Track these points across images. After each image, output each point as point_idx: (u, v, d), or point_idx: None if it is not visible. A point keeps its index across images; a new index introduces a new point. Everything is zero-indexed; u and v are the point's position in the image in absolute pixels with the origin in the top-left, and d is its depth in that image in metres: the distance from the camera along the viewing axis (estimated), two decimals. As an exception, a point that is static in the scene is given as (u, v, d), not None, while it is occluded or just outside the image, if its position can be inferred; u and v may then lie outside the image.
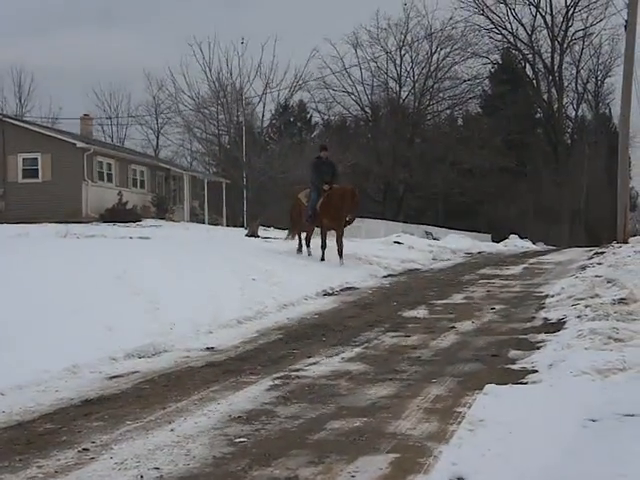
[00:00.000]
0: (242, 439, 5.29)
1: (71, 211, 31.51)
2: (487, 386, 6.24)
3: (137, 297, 10.39)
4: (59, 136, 35.10)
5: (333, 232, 17.66)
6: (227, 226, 38.43)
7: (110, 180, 35.58)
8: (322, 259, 17.17)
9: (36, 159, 33.52)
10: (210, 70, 40.13)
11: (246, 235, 27.20)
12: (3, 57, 77.59)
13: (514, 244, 37.98)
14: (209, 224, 37.67)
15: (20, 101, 57.65)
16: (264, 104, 41.88)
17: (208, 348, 8.82)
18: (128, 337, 8.58)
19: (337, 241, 17.23)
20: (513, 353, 8.17)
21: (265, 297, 11.92)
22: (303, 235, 18.33)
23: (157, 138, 60.96)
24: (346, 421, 5.68)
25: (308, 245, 18.08)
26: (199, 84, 41.10)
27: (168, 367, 7.81)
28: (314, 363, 7.88)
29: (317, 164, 17.57)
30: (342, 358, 8.15)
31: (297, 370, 7.54)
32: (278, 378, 7.16)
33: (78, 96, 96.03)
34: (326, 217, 17.11)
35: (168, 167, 42.20)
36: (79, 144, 33.89)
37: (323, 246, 17.33)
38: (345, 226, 17.60)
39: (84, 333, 8.42)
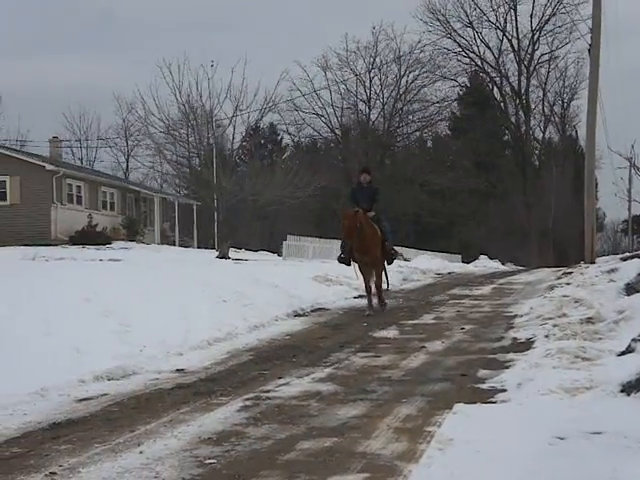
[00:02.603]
0: (212, 460, 5.28)
1: (40, 234, 31.27)
2: (456, 405, 6.27)
3: (107, 319, 10.33)
4: (28, 158, 34.87)
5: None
6: (198, 248, 38.31)
7: (80, 202, 35.38)
8: (369, 309, 14.19)
9: (4, 182, 33.26)
10: (180, 92, 40.10)
11: (217, 257, 27.15)
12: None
13: (484, 264, 38.29)
14: (180, 246, 37.56)
15: (-13, 123, 57.13)
16: (234, 126, 41.89)
17: (178, 370, 8.78)
18: (97, 359, 8.52)
19: (375, 281, 14.52)
20: (482, 372, 8.22)
21: (235, 318, 11.90)
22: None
23: (127, 160, 60.89)
24: (316, 441, 5.68)
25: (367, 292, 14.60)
26: (169, 106, 41.02)
27: (137, 389, 7.76)
28: (285, 384, 7.88)
29: (352, 191, 15.05)
30: (312, 379, 8.15)
31: (268, 391, 7.53)
32: (249, 399, 7.15)
33: (47, 118, 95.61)
34: (356, 250, 14.23)
35: (138, 189, 42.07)
36: (48, 167, 33.68)
37: (367, 290, 14.51)
38: (385, 260, 14.84)
39: (53, 356, 8.35)
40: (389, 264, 15.17)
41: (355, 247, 14.08)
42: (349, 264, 14.61)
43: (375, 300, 14.47)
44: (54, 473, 5.05)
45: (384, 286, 14.88)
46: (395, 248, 15.51)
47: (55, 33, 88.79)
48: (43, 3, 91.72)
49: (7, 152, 35.44)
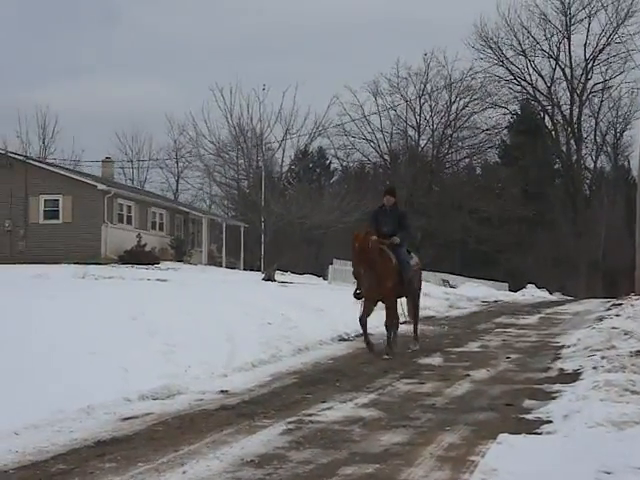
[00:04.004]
0: (254, 483, 5.28)
1: (90, 252, 31.74)
2: (501, 435, 6.21)
3: (153, 339, 10.43)
4: (81, 178, 35.50)
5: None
6: (244, 270, 38.53)
7: (130, 222, 35.85)
8: (387, 352, 11.95)
9: (57, 200, 33.89)
10: (231, 115, 40.70)
11: (263, 279, 27.25)
12: (28, 100, 78.84)
13: (531, 294, 37.80)
14: (227, 267, 37.80)
15: (44, 143, 58.33)
16: (284, 150, 42.38)
17: (222, 391, 8.82)
18: (143, 378, 8.60)
19: (385, 321, 12.38)
20: (528, 403, 8.12)
21: (280, 341, 11.92)
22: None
23: (177, 181, 61.46)
24: (358, 467, 5.66)
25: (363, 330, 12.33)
26: (220, 129, 41.78)
27: (182, 409, 7.81)
28: (328, 408, 7.86)
29: (374, 215, 12.98)
30: (356, 404, 8.12)
31: (310, 415, 7.52)
32: (291, 422, 7.15)
33: (101, 139, 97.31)
34: (362, 283, 12.28)
35: (187, 210, 42.51)
36: (100, 186, 34.24)
37: (361, 324, 12.28)
38: (400, 295, 12.68)
39: (100, 374, 8.46)
40: (407, 296, 12.90)
41: (362, 279, 12.08)
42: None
43: (383, 339, 12.43)
44: (98, 490, 5.10)
45: (407, 321, 13.13)
46: (412, 279, 12.72)
47: (111, 56, 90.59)
48: (99, 27, 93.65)
49: (61, 172, 36.15)
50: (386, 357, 11.68)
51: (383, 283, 12.02)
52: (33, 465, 5.74)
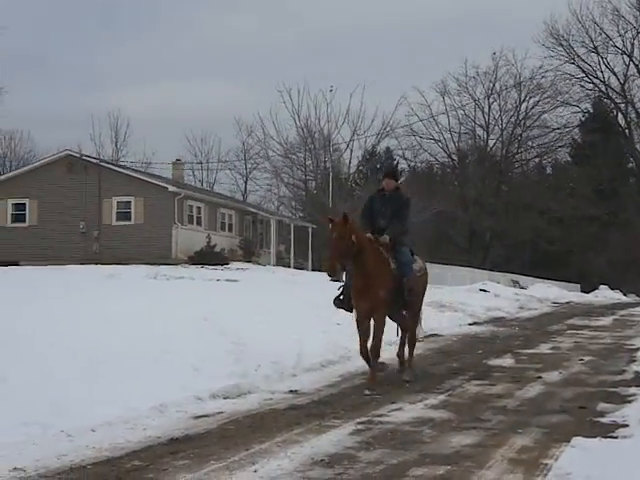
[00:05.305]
0: (324, 483, 5.30)
1: (161, 253, 32.25)
2: (575, 438, 6.10)
3: (223, 338, 10.56)
4: (152, 180, 36.10)
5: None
6: (312, 270, 38.66)
7: (199, 223, 36.30)
8: (370, 384, 9.04)
9: (129, 202, 34.52)
10: (299, 116, 40.92)
11: (331, 280, 27.24)
12: (102, 105, 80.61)
13: (604, 295, 37.13)
14: (294, 268, 37.97)
15: (116, 146, 59.60)
16: (351, 150, 42.49)
17: (292, 391, 8.87)
18: (213, 377, 8.71)
19: (373, 343, 9.35)
20: (602, 406, 7.96)
21: (349, 342, 11.89)
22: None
23: (245, 183, 62.07)
24: (429, 468, 5.63)
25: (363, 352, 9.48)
26: (288, 130, 41.94)
27: (252, 408, 7.88)
28: (397, 409, 7.84)
29: (370, 202, 10.16)
30: (425, 405, 8.08)
31: (380, 415, 7.51)
32: (361, 423, 7.15)
33: (171, 142, 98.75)
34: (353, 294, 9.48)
35: (255, 211, 42.85)
36: (171, 188, 34.75)
37: (362, 353, 9.48)
38: (394, 307, 9.67)
39: (172, 372, 8.60)
40: (406, 309, 9.93)
41: (352, 284, 9.46)
42: (351, 310, 9.69)
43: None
44: (172, 487, 5.18)
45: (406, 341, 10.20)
46: (414, 287, 9.66)
47: (180, 59, 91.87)
48: (170, 30, 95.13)
49: (133, 174, 36.82)
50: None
51: (373, 291, 9.17)
52: (109, 461, 5.86)
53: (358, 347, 9.46)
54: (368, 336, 9.36)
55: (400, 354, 10.16)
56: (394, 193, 9.96)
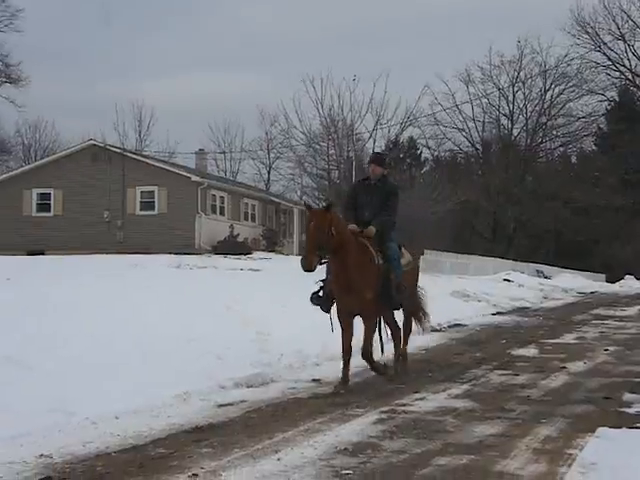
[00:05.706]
0: (348, 471, 5.30)
1: (184, 243, 32.36)
2: (600, 429, 6.07)
3: (246, 327, 10.60)
4: (175, 170, 36.18)
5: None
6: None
7: (222, 213, 36.37)
8: (340, 383, 8.41)
9: (153, 192, 34.64)
10: (322, 106, 40.69)
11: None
12: (126, 95, 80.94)
13: (630, 285, 36.85)
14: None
15: (140, 136, 59.65)
16: (374, 140, 42.18)
17: (315, 380, 8.89)
18: (237, 366, 8.75)
19: (362, 346, 8.60)
20: (628, 396, 7.91)
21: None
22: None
23: (268, 172, 62.02)
24: (452, 458, 5.62)
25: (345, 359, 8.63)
26: (311, 120, 41.73)
27: (276, 397, 7.90)
28: (421, 398, 7.83)
29: (353, 191, 9.57)
30: (449, 394, 8.07)
31: (404, 405, 7.50)
32: (384, 412, 7.15)
33: (194, 131, 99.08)
34: (333, 286, 8.80)
35: (278, 201, 42.87)
36: (194, 178, 34.83)
37: (343, 351, 8.62)
38: (382, 308, 8.90)
39: (195, 361, 8.64)
40: (394, 309, 9.19)
41: (332, 280, 8.74)
42: (328, 310, 8.89)
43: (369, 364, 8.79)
44: (196, 475, 5.20)
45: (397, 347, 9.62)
46: (403, 283, 8.88)
47: (204, 50, 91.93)
48: (191, 24, 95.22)
49: (157, 164, 36.90)
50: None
51: (358, 291, 8.45)
52: (134, 448, 5.90)
53: (342, 353, 8.56)
54: (352, 333, 8.62)
55: (396, 357, 9.56)
56: (380, 181, 9.16)
